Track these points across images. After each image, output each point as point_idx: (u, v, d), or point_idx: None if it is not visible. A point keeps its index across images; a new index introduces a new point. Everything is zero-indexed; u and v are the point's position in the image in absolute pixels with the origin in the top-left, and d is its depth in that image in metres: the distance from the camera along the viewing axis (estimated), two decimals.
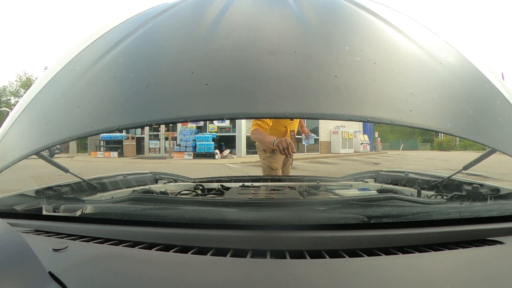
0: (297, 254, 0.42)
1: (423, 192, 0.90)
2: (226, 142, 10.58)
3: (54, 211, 0.57)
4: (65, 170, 0.90)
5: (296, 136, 2.03)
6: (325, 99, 0.49)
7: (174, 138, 11.19)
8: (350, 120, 0.47)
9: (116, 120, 0.49)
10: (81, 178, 0.90)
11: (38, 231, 0.50)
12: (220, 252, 0.43)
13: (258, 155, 2.17)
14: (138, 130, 11.95)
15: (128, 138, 11.71)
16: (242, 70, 0.53)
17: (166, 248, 0.44)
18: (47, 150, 0.65)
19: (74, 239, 0.46)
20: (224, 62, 0.55)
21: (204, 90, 0.49)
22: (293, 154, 1.58)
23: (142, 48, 0.63)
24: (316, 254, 0.41)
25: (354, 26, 0.67)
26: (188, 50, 0.59)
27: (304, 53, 0.55)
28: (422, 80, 0.56)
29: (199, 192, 1.13)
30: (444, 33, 0.70)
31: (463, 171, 0.88)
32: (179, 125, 10.82)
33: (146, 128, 11.48)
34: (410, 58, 0.60)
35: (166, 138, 11.38)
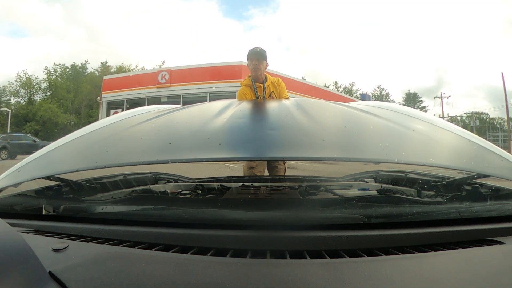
0: (297, 254, 0.42)
1: (423, 192, 0.90)
2: None
3: (54, 211, 0.57)
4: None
5: None
6: (315, 149, 0.63)
7: None
8: (335, 160, 0.59)
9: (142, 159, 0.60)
10: (81, 178, 0.90)
11: (38, 231, 0.50)
12: (220, 252, 0.43)
13: None
14: None
15: None
16: (247, 137, 0.71)
17: (166, 248, 0.44)
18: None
19: (74, 239, 0.46)
20: (234, 130, 0.75)
21: (217, 147, 0.63)
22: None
23: (168, 124, 0.87)
24: (316, 254, 0.41)
25: (341, 114, 0.92)
26: (205, 124, 0.80)
27: (298, 129, 0.73)
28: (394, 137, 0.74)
29: (199, 192, 1.13)
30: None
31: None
32: None
33: None
34: (382, 128, 0.80)
35: None
